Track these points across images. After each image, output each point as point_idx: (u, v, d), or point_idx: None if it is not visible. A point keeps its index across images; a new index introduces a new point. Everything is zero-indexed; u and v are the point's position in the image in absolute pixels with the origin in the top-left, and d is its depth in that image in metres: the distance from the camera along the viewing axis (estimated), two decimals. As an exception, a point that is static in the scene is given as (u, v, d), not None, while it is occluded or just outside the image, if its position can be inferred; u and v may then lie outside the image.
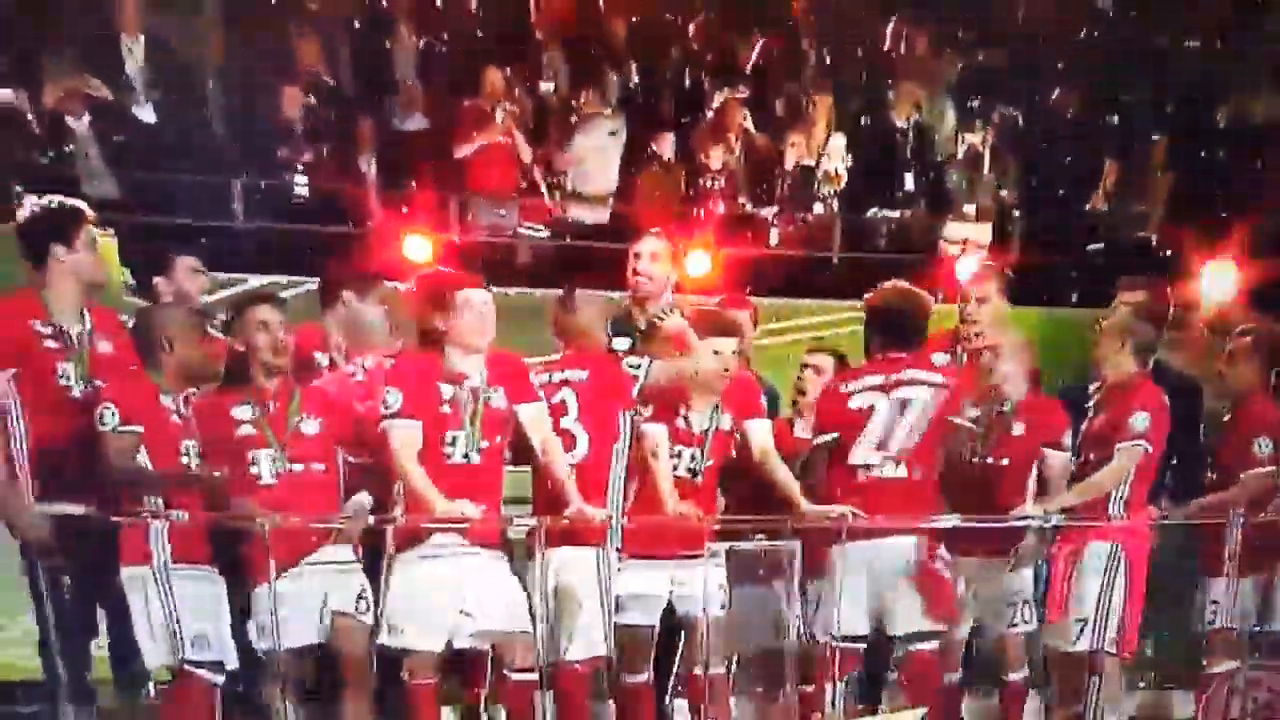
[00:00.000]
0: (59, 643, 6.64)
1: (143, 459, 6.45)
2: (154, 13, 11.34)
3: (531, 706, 6.69)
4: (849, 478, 7.12)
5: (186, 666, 6.46)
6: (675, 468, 6.95)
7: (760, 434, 7.09)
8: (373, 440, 6.66)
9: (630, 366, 6.99)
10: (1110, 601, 7.25)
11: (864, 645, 7.15)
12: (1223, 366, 7.91)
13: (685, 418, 6.99)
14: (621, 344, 7.31)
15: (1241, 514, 7.42)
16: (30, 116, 10.54)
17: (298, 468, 6.69)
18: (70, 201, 6.98)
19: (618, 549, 6.96)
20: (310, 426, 6.75)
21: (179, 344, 6.58)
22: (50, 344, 6.70)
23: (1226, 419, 7.87)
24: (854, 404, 7.13)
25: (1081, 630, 7.27)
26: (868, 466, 7.11)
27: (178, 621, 6.39)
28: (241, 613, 6.66)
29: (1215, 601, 7.63)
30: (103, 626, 6.82)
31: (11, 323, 6.69)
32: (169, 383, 6.59)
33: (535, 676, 6.68)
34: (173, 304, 6.98)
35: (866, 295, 7.55)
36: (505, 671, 6.70)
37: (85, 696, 6.74)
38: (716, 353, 6.92)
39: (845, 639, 7.04)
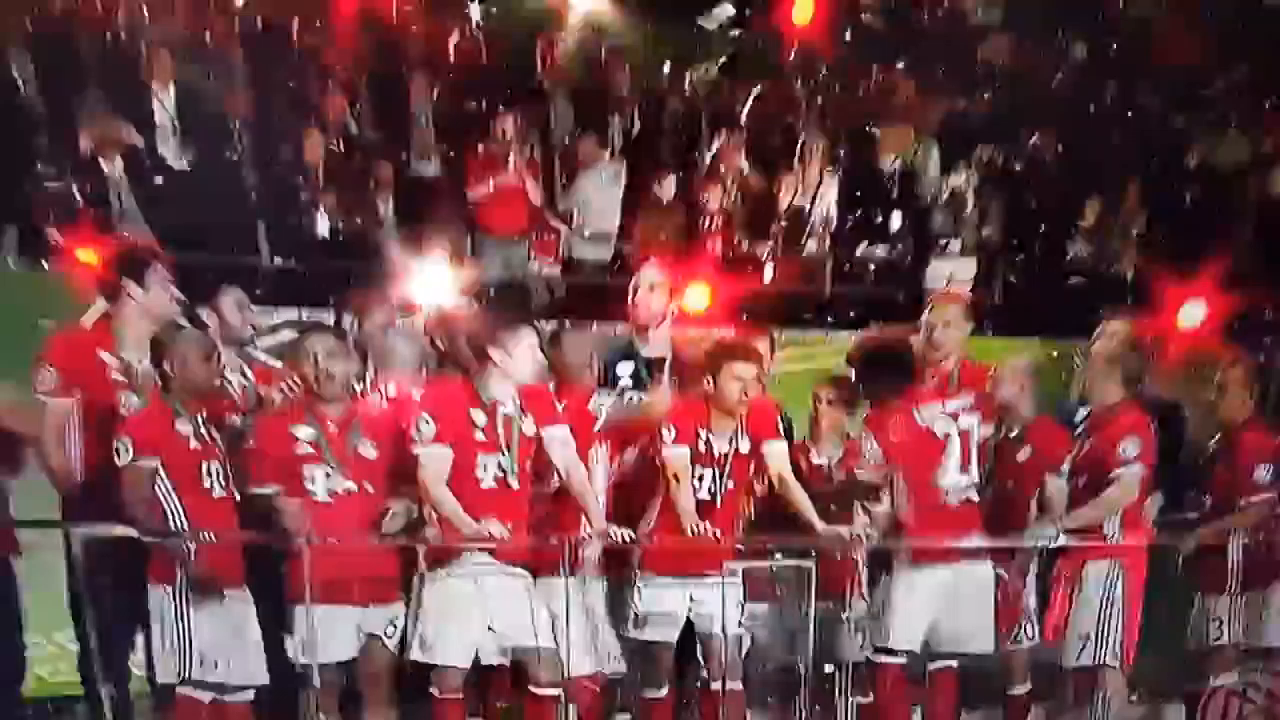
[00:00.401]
0: (99, 658, 6.49)
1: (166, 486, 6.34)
2: (184, 64, 11.22)
3: (554, 720, 6.53)
4: (936, 499, 7.08)
5: (181, 688, 6.32)
6: (696, 490, 6.75)
7: (778, 456, 6.89)
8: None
9: (599, 406, 6.86)
10: (1111, 617, 7.11)
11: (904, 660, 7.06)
12: (1214, 397, 7.77)
13: (706, 441, 6.80)
14: (625, 368, 7.22)
15: (1246, 535, 7.36)
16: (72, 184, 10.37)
17: (351, 486, 6.53)
18: (145, 244, 7.10)
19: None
20: (367, 449, 6.60)
21: (179, 365, 6.42)
22: (116, 376, 6.67)
23: (1214, 445, 7.75)
24: (938, 430, 7.12)
25: (1084, 647, 7.13)
26: (949, 490, 7.09)
27: (189, 641, 6.25)
28: (279, 627, 6.49)
29: (1219, 618, 7.49)
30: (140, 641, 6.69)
31: (81, 352, 6.71)
32: (183, 406, 6.43)
33: (558, 691, 6.50)
34: (177, 327, 6.76)
35: (861, 339, 7.63)
36: (530, 687, 6.51)
37: (124, 711, 6.61)
38: (738, 378, 6.72)
39: (888, 651, 7.00)
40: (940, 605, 7.06)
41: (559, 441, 6.57)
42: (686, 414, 6.78)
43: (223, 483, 6.46)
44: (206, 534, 6.30)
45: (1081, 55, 13.39)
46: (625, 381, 7.19)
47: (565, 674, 6.50)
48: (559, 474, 6.61)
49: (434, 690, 6.45)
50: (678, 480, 6.68)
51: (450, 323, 7.13)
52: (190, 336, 6.60)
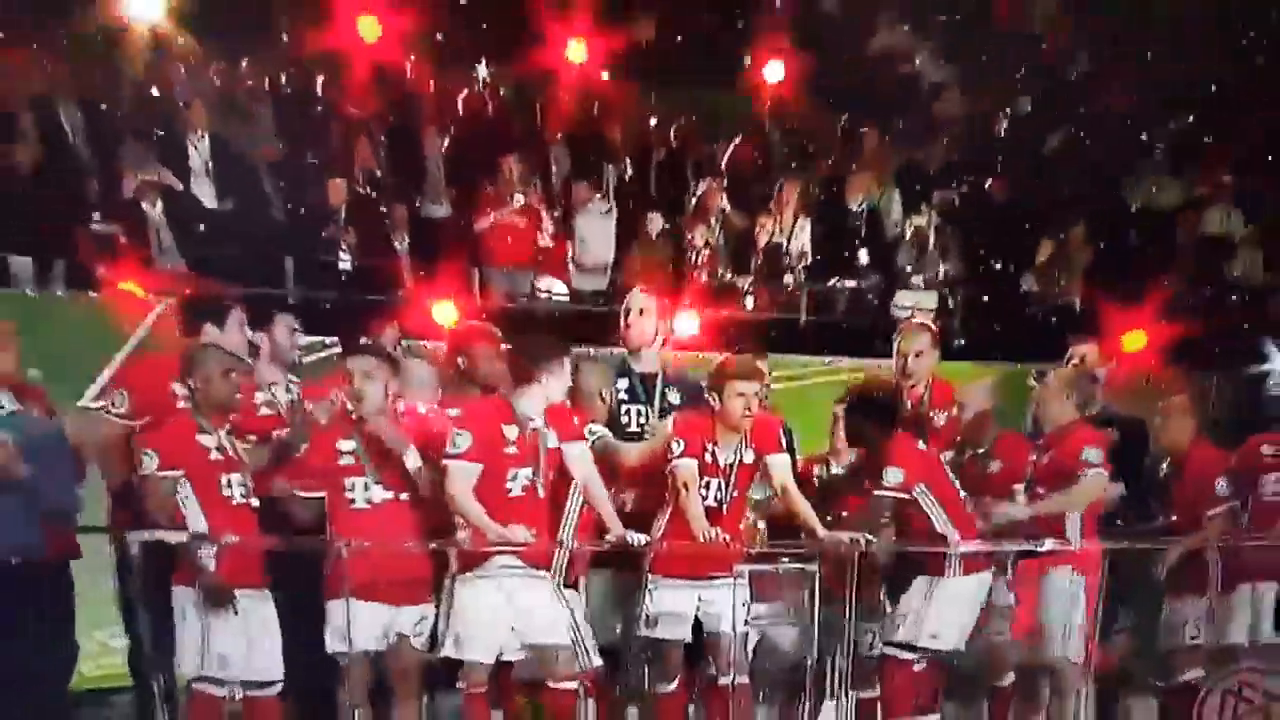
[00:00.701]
0: (152, 653, 6.36)
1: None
2: (218, 115, 11.20)
3: (573, 713, 6.35)
4: (964, 509, 6.91)
5: (197, 684, 6.15)
6: (704, 498, 6.54)
7: (779, 468, 6.67)
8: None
9: (590, 434, 6.64)
10: (1073, 617, 6.97)
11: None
12: (1160, 422, 7.66)
13: (712, 453, 6.59)
14: (622, 384, 7.08)
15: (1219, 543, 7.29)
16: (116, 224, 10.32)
17: (389, 495, 6.33)
18: (224, 290, 7.27)
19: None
20: (408, 460, 6.36)
21: (202, 381, 6.24)
22: (183, 405, 6.47)
23: (1167, 469, 7.64)
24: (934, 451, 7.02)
25: (1050, 644, 7.00)
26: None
27: (208, 640, 6.08)
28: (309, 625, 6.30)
29: (1194, 619, 7.36)
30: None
31: (155, 380, 6.61)
32: (206, 420, 6.25)
33: (575, 685, 6.33)
34: (201, 345, 6.57)
35: (854, 386, 7.34)
36: (549, 682, 6.33)
37: (172, 703, 6.42)
38: (740, 395, 6.52)
39: (910, 648, 6.82)
40: (966, 607, 6.89)
41: (578, 456, 6.40)
42: (693, 428, 6.59)
43: (244, 492, 6.27)
44: (238, 538, 6.15)
45: (1027, 108, 13.36)
46: (622, 395, 7.05)
47: (588, 665, 6.38)
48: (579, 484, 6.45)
49: (461, 684, 6.27)
50: (686, 489, 6.48)
51: (478, 344, 6.90)
52: (212, 355, 6.38)
